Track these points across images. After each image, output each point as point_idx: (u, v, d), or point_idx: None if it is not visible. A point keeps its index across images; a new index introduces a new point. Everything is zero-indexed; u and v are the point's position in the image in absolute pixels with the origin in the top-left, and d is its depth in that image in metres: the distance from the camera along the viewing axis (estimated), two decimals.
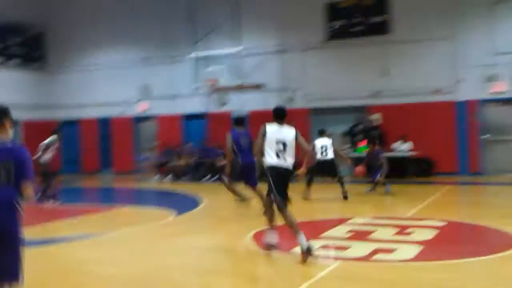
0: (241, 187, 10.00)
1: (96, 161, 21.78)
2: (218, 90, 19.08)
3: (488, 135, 16.49)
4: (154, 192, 16.17)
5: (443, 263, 6.42)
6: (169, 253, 7.61)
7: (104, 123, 21.66)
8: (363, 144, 16.09)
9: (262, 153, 6.83)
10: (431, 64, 16.83)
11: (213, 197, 12.77)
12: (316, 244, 7.45)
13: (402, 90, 17.02)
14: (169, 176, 18.16)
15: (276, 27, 18.86)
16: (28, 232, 9.26)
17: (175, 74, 20.10)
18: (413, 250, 6.93)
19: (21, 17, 21.44)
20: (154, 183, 17.79)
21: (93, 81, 21.68)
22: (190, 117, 20.22)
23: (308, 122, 18.14)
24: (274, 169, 6.71)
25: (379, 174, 12.73)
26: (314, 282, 5.72)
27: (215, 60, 18.73)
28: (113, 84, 21.18)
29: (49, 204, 12.11)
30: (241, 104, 19.00)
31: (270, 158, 6.73)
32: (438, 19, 16.80)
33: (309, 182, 12.09)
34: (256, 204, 9.71)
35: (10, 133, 4.43)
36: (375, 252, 6.88)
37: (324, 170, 12.12)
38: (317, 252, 6.98)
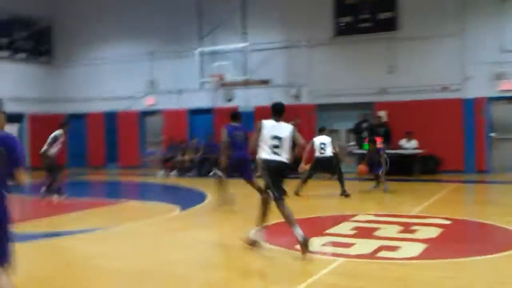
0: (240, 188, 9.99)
1: (102, 155, 21.83)
2: (224, 86, 19.08)
3: (495, 133, 16.40)
4: (159, 187, 16.20)
5: (448, 261, 6.38)
6: (174, 248, 7.62)
7: (111, 117, 21.69)
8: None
9: (257, 148, 6.91)
10: (439, 61, 16.74)
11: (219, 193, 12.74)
12: (320, 241, 7.47)
13: (409, 87, 16.95)
14: (174, 171, 18.19)
15: (283, 23, 18.82)
16: (33, 226, 9.37)
17: (181, 69, 20.09)
18: (417, 248, 6.90)
19: (28, 11, 21.49)
20: (159, 177, 17.82)
21: (100, 75, 21.71)
22: (196, 112, 20.22)
23: (314, 118, 18.11)
24: (268, 163, 6.79)
25: (380, 170, 12.69)
26: (317, 279, 5.71)
27: (221, 55, 18.72)
28: (120, 78, 21.21)
29: (55, 198, 12.15)
30: (247, 99, 18.99)
31: (265, 153, 6.82)
32: (446, 16, 16.70)
33: (306, 179, 12.16)
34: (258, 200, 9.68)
35: (3, 126, 4.58)
36: (379, 249, 6.86)
37: (323, 167, 12.24)
38: (320, 248, 6.98)
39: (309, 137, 12.58)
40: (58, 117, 20.15)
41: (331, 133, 18.29)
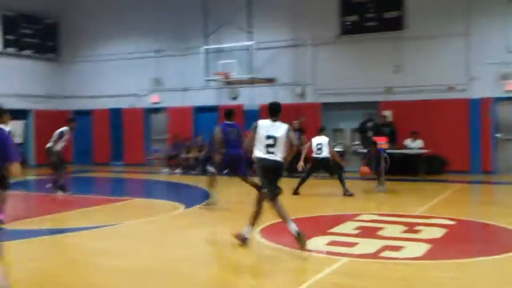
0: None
1: (107, 153, 21.88)
2: (230, 84, 19.08)
3: (501, 134, 16.33)
4: (163, 185, 16.22)
5: (452, 261, 6.37)
6: (177, 246, 7.63)
7: (116, 115, 21.73)
8: (379, 140, 16.01)
9: (252, 147, 7.01)
10: (445, 61, 16.68)
11: (223, 191, 12.76)
12: (323, 240, 7.47)
13: (415, 86, 16.89)
14: (179, 169, 18.20)
15: (289, 21, 18.79)
16: (38, 222, 9.40)
17: (186, 67, 20.10)
18: (421, 248, 6.89)
19: (35, 7, 21.54)
20: (164, 175, 17.84)
21: (105, 72, 21.74)
22: (201, 110, 20.24)
23: (318, 117, 18.09)
24: (262, 162, 6.88)
25: (380, 167, 12.65)
26: (321, 278, 5.70)
27: (226, 53, 18.71)
28: (125, 75, 21.23)
29: (59, 195, 12.19)
30: (252, 98, 18.98)
31: (259, 152, 6.92)
32: (453, 15, 16.64)
33: (304, 178, 12.25)
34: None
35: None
36: (382, 249, 6.85)
37: (319, 167, 12.39)
38: (323, 247, 6.99)
39: (314, 136, 12.62)
40: (63, 114, 20.25)
41: (336, 132, 18.44)
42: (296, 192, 12.12)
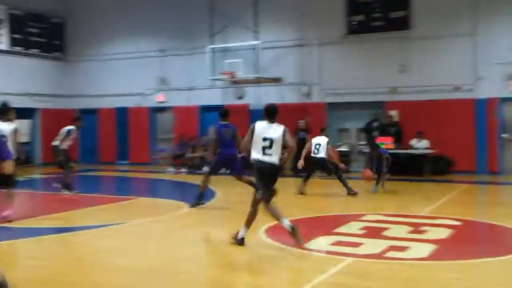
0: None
1: (113, 151, 21.93)
2: (236, 83, 19.09)
3: (507, 134, 16.26)
4: (169, 184, 16.24)
5: (458, 262, 6.36)
6: (181, 245, 7.65)
7: (122, 113, 21.78)
8: (384, 140, 15.99)
9: (249, 150, 7.09)
10: (451, 61, 16.62)
11: (228, 190, 12.79)
12: (328, 240, 7.46)
13: (421, 86, 16.85)
14: (185, 168, 18.22)
15: (295, 21, 18.78)
16: (44, 220, 9.43)
17: (193, 66, 20.12)
18: (426, 249, 6.87)
19: (42, 6, 21.62)
20: (169, 174, 17.87)
21: (112, 71, 21.79)
22: (207, 109, 20.25)
23: (324, 116, 18.07)
24: (259, 164, 6.96)
25: (382, 169, 12.59)
26: (325, 278, 5.70)
27: (232, 52, 18.70)
28: (131, 74, 21.27)
29: (65, 193, 12.24)
30: (258, 97, 18.99)
31: (256, 154, 7.00)
32: (459, 15, 16.57)
33: (306, 178, 12.32)
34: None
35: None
36: (388, 249, 6.84)
37: (316, 167, 12.43)
38: (328, 247, 6.98)
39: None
40: (70, 112, 20.30)
41: (341, 132, 18.42)
42: (301, 192, 12.15)
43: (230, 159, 10.26)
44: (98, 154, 22.23)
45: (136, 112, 21.47)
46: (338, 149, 17.43)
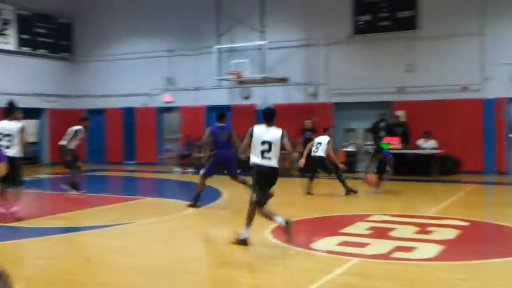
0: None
1: (120, 151, 22.00)
2: (242, 83, 19.09)
3: None
4: (175, 184, 16.27)
5: (464, 263, 6.33)
6: (188, 245, 7.66)
7: (129, 114, 21.84)
8: (391, 140, 15.97)
9: (247, 153, 7.19)
10: (459, 61, 16.54)
11: (235, 190, 12.77)
12: (334, 240, 7.45)
13: (428, 86, 16.78)
14: (191, 168, 18.23)
15: (301, 21, 18.75)
16: (51, 220, 9.47)
17: (199, 66, 20.15)
18: (433, 249, 6.85)
19: (49, 7, 21.71)
20: (176, 174, 17.89)
21: (119, 72, 21.85)
22: (214, 109, 20.24)
23: (331, 116, 18.05)
24: (257, 168, 7.03)
25: (387, 168, 12.51)
26: (332, 278, 5.69)
27: (239, 53, 18.71)
28: (138, 75, 21.33)
29: (72, 193, 12.28)
30: (264, 97, 18.99)
31: (255, 157, 7.06)
32: (467, 15, 16.50)
33: (311, 178, 12.33)
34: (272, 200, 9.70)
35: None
36: (394, 250, 6.82)
37: (315, 166, 12.45)
38: (334, 248, 6.97)
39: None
40: (77, 113, 20.38)
41: (348, 132, 18.38)
42: (308, 192, 12.16)
43: (226, 160, 10.39)
44: (105, 154, 22.30)
45: (143, 112, 21.52)
46: (345, 149, 17.44)
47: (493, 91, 16.12)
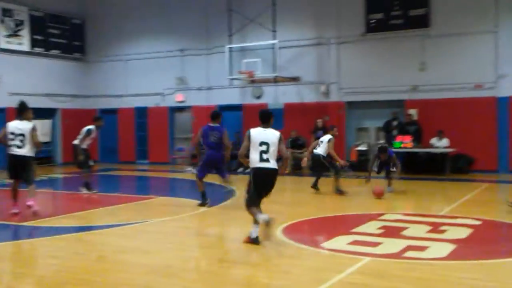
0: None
1: (133, 151, 22.11)
2: (254, 82, 19.10)
3: None
4: (187, 183, 16.29)
5: (477, 262, 6.28)
6: (199, 244, 7.69)
7: (141, 113, 21.94)
8: (404, 139, 15.89)
9: (246, 155, 7.27)
10: (472, 59, 16.41)
11: (240, 190, 12.80)
12: (346, 239, 7.43)
13: (442, 85, 16.67)
14: None
15: (313, 20, 18.71)
16: (64, 219, 9.55)
17: (211, 66, 20.21)
18: (446, 249, 6.81)
19: (62, 8, 21.89)
20: (188, 174, 17.93)
21: (131, 72, 21.96)
22: (225, 109, 20.28)
23: (343, 115, 18.00)
24: (256, 170, 7.14)
25: (393, 168, 12.40)
26: (343, 277, 5.68)
27: (251, 52, 18.73)
28: (150, 74, 21.43)
29: (84, 193, 12.38)
30: (276, 96, 18.98)
31: (254, 160, 7.16)
32: (480, 13, 16.36)
33: (318, 176, 12.38)
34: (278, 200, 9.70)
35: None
36: (406, 249, 6.79)
37: (314, 164, 12.52)
38: (346, 247, 6.95)
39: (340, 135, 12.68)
40: (90, 113, 20.51)
41: (360, 131, 18.32)
42: (314, 187, 12.32)
43: (214, 161, 10.44)
44: (118, 153, 22.43)
45: (155, 112, 21.61)
46: (357, 148, 17.38)
47: (507, 89, 15.97)
